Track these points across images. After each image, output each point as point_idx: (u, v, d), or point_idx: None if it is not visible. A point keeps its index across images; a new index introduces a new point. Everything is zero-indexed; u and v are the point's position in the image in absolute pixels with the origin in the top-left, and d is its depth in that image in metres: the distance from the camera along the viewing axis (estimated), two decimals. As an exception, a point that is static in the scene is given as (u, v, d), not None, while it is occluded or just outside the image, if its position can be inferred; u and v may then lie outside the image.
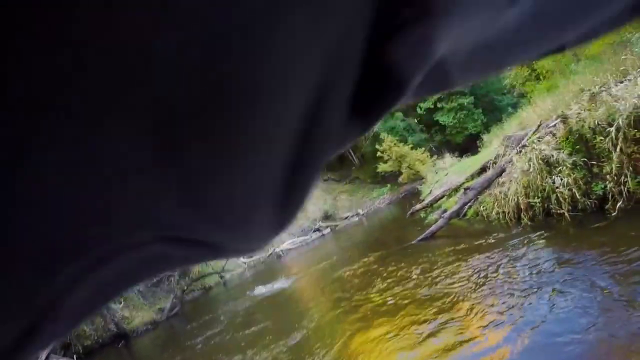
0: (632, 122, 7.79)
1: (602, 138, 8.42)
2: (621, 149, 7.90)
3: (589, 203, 8.80)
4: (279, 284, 23.39)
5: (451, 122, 44.40)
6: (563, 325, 5.53)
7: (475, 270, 9.15)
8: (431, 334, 7.49)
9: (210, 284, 28.24)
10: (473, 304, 7.63)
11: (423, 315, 8.57)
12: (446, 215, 14.50)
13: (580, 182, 8.91)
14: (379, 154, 40.53)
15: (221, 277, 28.63)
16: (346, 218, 39.23)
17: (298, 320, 12.82)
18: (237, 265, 31.48)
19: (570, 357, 4.83)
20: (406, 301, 9.57)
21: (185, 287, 25.57)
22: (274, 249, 33.82)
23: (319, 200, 43.37)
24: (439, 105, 45.00)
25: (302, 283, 20.60)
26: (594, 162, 8.73)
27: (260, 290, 23.22)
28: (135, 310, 21.89)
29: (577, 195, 8.81)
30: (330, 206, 41.58)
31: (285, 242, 35.46)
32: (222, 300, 23.16)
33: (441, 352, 6.52)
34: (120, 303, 19.69)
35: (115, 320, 20.25)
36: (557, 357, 4.94)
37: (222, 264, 28.78)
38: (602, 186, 8.49)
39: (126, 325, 20.75)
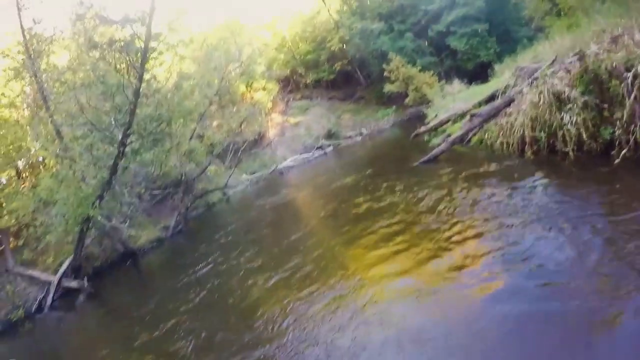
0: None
1: (618, 82, 7.98)
2: (635, 97, 7.72)
3: (594, 146, 8.62)
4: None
5: (463, 47, 42.00)
6: (549, 259, 5.78)
7: (473, 196, 9.36)
8: (414, 249, 7.96)
9: (214, 200, 28.70)
10: (466, 228, 7.90)
11: (412, 228, 9.07)
12: (450, 139, 14.36)
13: (589, 123, 8.61)
14: (385, 74, 38.27)
15: (224, 193, 28.99)
16: (349, 137, 39.13)
17: (295, 226, 13.51)
18: (239, 182, 31.80)
19: (554, 290, 5.09)
20: (403, 214, 10.19)
21: (189, 204, 25.89)
22: (276, 166, 33.94)
23: (323, 118, 42.81)
24: (452, 29, 43.57)
25: (302, 194, 21.16)
26: (606, 106, 8.37)
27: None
28: (141, 229, 22.34)
29: (584, 136, 8.56)
30: (334, 125, 41.06)
31: (287, 159, 35.55)
32: (225, 215, 23.79)
33: (428, 269, 6.90)
34: (126, 222, 20.02)
35: (122, 240, 20.73)
36: (541, 289, 5.21)
37: (225, 180, 29.06)
38: (611, 131, 8.21)
39: (133, 244, 21.32)
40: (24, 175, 23.59)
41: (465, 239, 7.54)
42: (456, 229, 8.06)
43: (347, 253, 9.50)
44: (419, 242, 8.15)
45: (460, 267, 6.61)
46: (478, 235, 7.45)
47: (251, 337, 7.17)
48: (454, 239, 7.71)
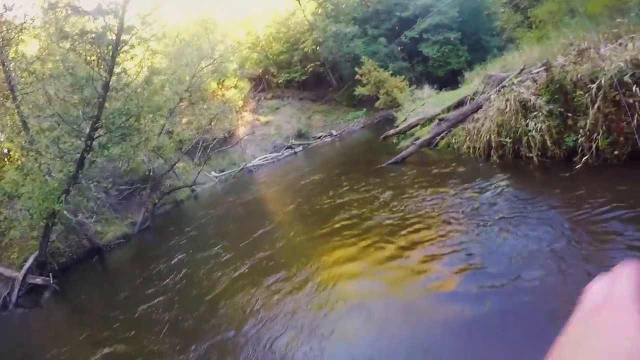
0: (614, 83, 7.62)
1: (582, 93, 8.27)
2: (599, 107, 7.88)
3: (558, 152, 8.90)
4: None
5: (435, 54, 42.61)
6: (500, 258, 5.96)
7: (438, 197, 9.54)
8: (374, 247, 8.19)
9: (182, 197, 28.51)
10: (428, 228, 8.06)
11: (371, 227, 9.29)
12: (418, 142, 14.58)
13: (553, 130, 8.93)
14: (357, 77, 38.58)
15: (192, 190, 28.83)
16: (319, 138, 39.32)
17: (261, 221, 13.64)
18: (208, 179, 31.67)
19: (502, 290, 5.23)
20: (366, 211, 10.44)
21: (157, 201, 25.67)
22: (245, 164, 33.85)
23: (293, 118, 42.82)
24: (424, 36, 44.12)
25: (270, 191, 21.23)
26: (570, 115, 8.66)
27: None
28: (108, 224, 22.05)
29: (548, 142, 8.95)
30: (304, 125, 41.25)
31: (257, 158, 35.51)
32: (193, 212, 23.66)
33: (383, 265, 7.11)
34: (93, 218, 19.73)
35: (89, 236, 20.40)
36: (499, 289, 5.34)
37: (193, 177, 28.94)
38: (574, 138, 8.51)
39: (99, 240, 20.99)
40: (-13, 167, 23.00)
41: (419, 236, 7.78)
42: (411, 226, 8.34)
43: (307, 245, 9.90)
44: (375, 237, 8.47)
45: (408, 257, 7.05)
46: (433, 234, 7.64)
47: (217, 323, 7.35)
48: (405, 233, 8.05)
